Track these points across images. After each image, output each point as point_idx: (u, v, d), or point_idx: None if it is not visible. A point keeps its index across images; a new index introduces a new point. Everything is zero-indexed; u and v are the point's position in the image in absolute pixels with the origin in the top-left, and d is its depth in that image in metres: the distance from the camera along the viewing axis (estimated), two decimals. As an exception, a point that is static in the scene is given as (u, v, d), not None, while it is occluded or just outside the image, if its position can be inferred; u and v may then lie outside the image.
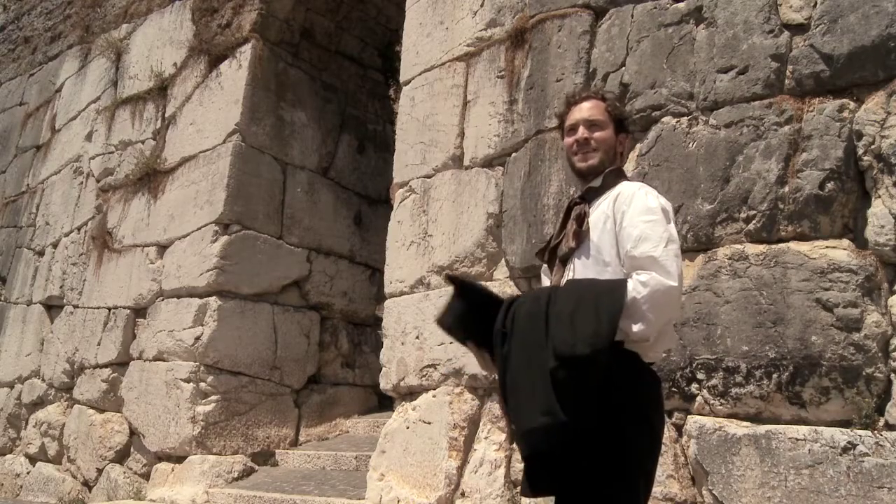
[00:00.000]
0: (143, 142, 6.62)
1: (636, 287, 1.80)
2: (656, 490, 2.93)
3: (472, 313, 1.96)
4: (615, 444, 1.77)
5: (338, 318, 6.22)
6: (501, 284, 3.73)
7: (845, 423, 2.62)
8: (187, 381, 5.38)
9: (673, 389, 3.02)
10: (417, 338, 4.02)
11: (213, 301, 5.49)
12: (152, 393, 5.63)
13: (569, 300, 1.82)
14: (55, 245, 7.36)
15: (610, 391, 1.75)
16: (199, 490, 4.98)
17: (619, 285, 1.82)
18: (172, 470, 5.37)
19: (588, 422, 1.72)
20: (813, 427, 2.66)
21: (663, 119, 3.28)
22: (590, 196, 2.07)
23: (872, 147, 2.74)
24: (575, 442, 1.72)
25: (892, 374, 2.61)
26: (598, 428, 1.74)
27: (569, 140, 2.14)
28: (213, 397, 5.37)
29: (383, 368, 4.23)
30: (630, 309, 1.78)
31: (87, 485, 6.06)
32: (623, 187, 2.01)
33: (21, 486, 6.73)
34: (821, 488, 2.56)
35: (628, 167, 3.37)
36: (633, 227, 1.88)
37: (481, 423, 3.69)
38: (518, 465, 3.50)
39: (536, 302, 1.88)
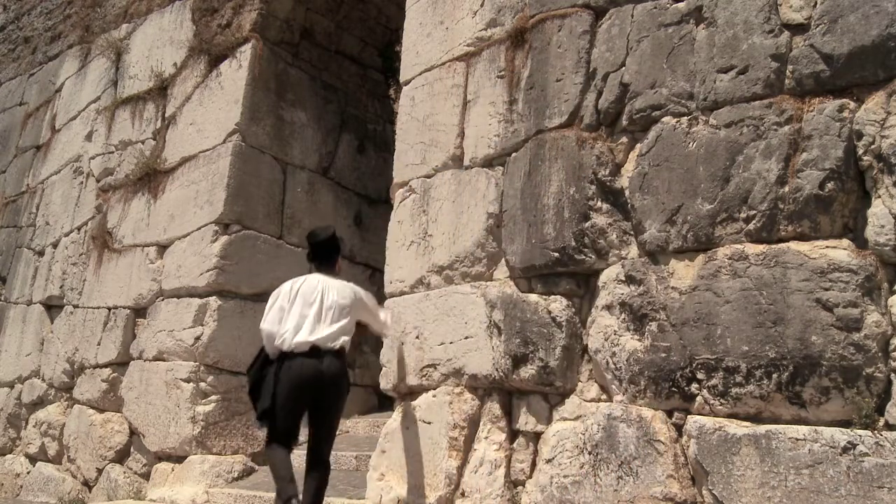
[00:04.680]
0: (143, 142, 6.62)
1: None
2: (656, 490, 2.94)
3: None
4: None
5: (338, 318, 6.22)
6: (501, 284, 3.73)
7: (845, 423, 2.62)
8: (187, 380, 5.38)
9: (673, 389, 3.02)
10: (417, 338, 4.02)
11: (213, 301, 5.49)
12: (152, 393, 5.63)
13: None
14: (55, 245, 7.36)
15: None
16: (200, 490, 4.98)
17: None
18: (172, 470, 5.37)
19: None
20: (813, 427, 2.66)
21: (663, 119, 3.28)
22: None
23: (872, 147, 2.74)
24: None
25: (892, 374, 2.61)
26: None
27: None
28: (213, 397, 5.37)
29: (383, 368, 4.23)
30: None
31: (87, 485, 6.06)
32: None
33: (21, 486, 6.73)
34: (821, 488, 2.56)
35: (628, 167, 3.38)
36: None
37: (481, 423, 3.68)
38: (518, 465, 3.51)
39: None
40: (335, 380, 3.56)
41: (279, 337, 3.56)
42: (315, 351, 3.53)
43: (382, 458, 4.01)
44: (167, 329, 5.66)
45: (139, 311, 6.07)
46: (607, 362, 3.27)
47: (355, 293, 3.83)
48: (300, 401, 3.54)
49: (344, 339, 3.65)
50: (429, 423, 3.82)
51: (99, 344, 6.26)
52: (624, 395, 3.19)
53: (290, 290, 3.67)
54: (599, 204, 3.42)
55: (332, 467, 3.76)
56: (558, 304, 3.48)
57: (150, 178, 6.34)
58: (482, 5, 4.20)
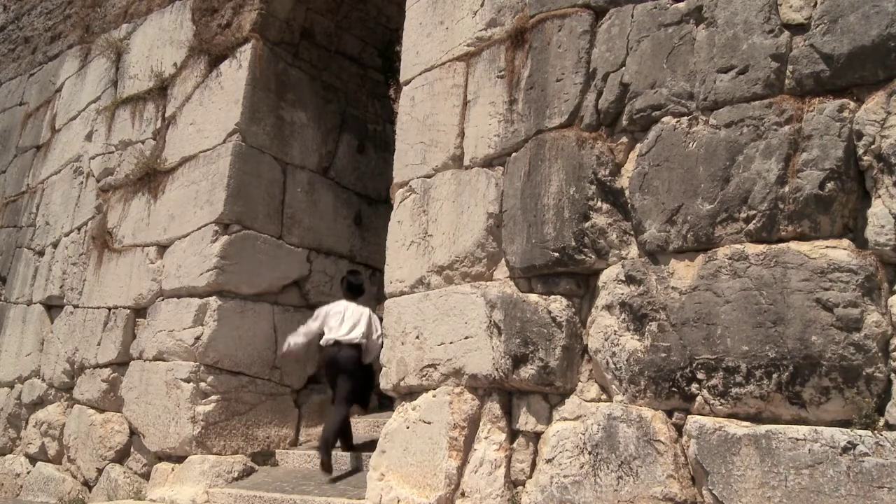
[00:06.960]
0: (143, 142, 6.62)
1: None
2: (656, 490, 2.94)
3: None
4: None
5: (338, 318, 6.22)
6: (501, 284, 3.73)
7: (845, 423, 2.62)
8: (187, 380, 5.38)
9: (673, 389, 3.02)
10: (417, 338, 4.02)
11: (213, 301, 5.49)
12: (152, 393, 5.63)
13: None
14: (55, 245, 7.36)
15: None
16: (199, 490, 4.98)
17: None
18: (172, 470, 5.37)
19: None
20: (813, 427, 2.66)
21: (663, 119, 3.28)
22: None
23: (872, 147, 2.74)
24: None
25: (892, 374, 2.61)
26: None
27: None
28: (213, 397, 5.37)
29: (383, 368, 4.24)
30: None
31: (87, 485, 6.06)
32: None
33: (21, 486, 6.74)
34: (821, 488, 2.56)
35: (628, 167, 3.38)
36: None
37: (481, 423, 3.69)
38: (518, 465, 3.51)
39: None
40: (348, 361, 5.19)
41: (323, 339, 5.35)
42: (336, 343, 5.21)
43: (382, 458, 4.01)
44: (167, 329, 5.66)
45: (139, 311, 6.07)
46: (607, 362, 3.27)
47: (363, 312, 5.36)
48: (331, 374, 5.30)
49: (356, 336, 5.23)
50: (429, 423, 3.82)
51: (99, 344, 6.26)
52: (624, 395, 3.19)
53: (325, 313, 5.40)
54: (599, 204, 3.42)
55: (331, 461, 4.74)
56: (558, 304, 3.49)
57: (150, 178, 6.34)
58: (482, 5, 4.20)
